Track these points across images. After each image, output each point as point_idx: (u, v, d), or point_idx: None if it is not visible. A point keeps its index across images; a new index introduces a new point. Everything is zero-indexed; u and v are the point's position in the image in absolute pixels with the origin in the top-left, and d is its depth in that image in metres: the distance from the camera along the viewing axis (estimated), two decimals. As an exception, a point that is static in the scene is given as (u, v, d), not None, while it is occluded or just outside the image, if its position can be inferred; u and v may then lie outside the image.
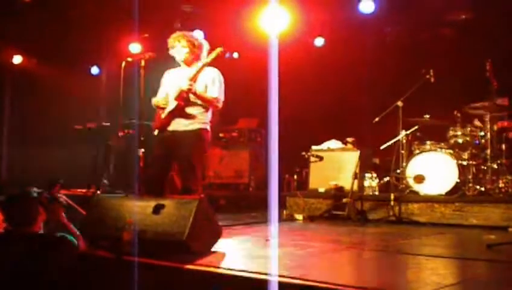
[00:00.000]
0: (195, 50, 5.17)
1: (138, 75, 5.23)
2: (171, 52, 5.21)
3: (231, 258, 3.86)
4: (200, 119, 5.11)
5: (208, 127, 5.21)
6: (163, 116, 5.12)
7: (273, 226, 4.88)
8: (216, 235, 4.25)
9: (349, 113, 8.70)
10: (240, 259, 3.79)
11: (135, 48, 9.14)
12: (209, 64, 5.12)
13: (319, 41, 9.73)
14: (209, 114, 5.21)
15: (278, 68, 5.29)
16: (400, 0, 8.50)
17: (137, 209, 4.14)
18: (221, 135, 9.34)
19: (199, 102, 5.09)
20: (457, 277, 3.60)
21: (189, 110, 5.09)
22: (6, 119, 10.79)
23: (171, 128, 5.12)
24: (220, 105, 5.16)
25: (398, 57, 8.50)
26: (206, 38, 9.64)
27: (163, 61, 5.36)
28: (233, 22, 9.05)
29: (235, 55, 10.66)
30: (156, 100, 5.20)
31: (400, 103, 6.70)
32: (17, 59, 10.72)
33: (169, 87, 5.20)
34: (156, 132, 5.16)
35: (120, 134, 7.60)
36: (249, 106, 9.49)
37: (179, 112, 5.08)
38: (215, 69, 5.23)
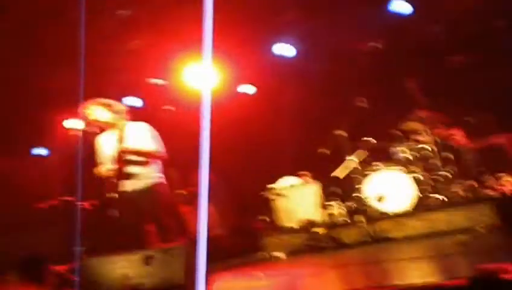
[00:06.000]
0: (113, 113, 5.17)
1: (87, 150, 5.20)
2: (91, 120, 5.17)
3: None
4: (150, 175, 5.12)
5: (163, 180, 5.20)
6: (112, 180, 5.05)
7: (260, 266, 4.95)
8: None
9: (300, 148, 8.94)
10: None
11: (78, 124, 9.05)
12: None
13: (250, 89, 10.05)
14: (158, 167, 5.20)
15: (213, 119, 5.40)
16: (318, 41, 8.82)
17: (128, 263, 4.12)
18: (181, 191, 9.28)
19: (141, 159, 5.08)
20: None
21: (136, 169, 5.07)
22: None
23: (128, 188, 5.08)
24: (164, 155, 5.16)
25: (327, 92, 8.80)
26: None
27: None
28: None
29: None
30: (98, 171, 5.13)
31: (342, 132, 7.10)
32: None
33: (105, 152, 5.19)
34: (114, 195, 5.05)
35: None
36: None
37: (126, 173, 5.06)
38: (143, 123, 5.26)
